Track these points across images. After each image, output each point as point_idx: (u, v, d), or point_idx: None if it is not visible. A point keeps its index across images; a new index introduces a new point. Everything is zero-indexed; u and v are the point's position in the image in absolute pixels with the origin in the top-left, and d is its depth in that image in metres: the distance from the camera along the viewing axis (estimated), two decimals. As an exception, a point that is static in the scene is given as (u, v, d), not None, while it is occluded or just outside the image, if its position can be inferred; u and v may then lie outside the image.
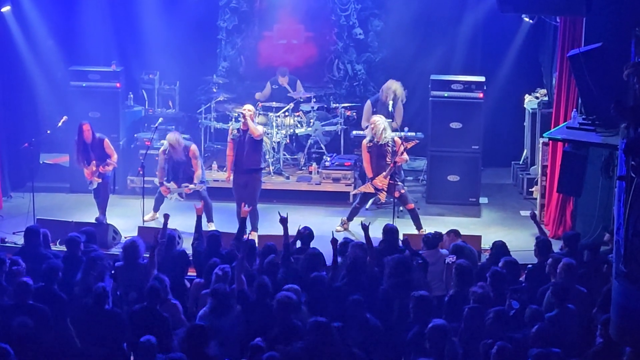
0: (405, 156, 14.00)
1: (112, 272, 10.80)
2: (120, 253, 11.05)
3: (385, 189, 13.92)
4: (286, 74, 16.82)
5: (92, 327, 9.36)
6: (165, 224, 11.30)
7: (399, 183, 14.11)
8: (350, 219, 14.28)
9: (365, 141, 14.13)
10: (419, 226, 13.92)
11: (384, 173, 13.87)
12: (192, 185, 13.94)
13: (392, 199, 14.20)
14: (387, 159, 13.91)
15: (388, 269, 10.11)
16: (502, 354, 8.36)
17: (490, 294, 9.55)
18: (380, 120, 13.99)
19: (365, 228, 10.99)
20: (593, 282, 10.29)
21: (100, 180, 14.09)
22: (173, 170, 14.12)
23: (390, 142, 13.95)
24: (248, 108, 13.94)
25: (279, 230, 11.22)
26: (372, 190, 14.06)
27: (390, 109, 15.34)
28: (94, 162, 14.02)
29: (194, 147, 14.23)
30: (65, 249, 11.25)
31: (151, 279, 10.01)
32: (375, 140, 13.92)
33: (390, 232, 11.51)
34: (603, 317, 8.87)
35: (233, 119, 16.16)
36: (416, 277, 10.33)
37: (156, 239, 10.65)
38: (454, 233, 11.91)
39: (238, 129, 13.84)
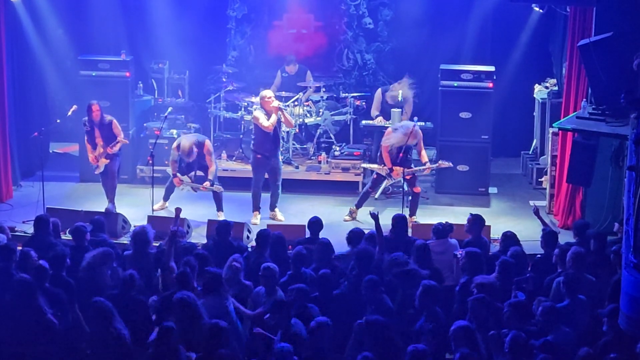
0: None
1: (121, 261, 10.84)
2: (130, 240, 11.07)
3: (395, 179, 13.88)
4: (292, 62, 16.77)
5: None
6: (177, 217, 11.30)
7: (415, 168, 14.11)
8: (359, 205, 14.26)
9: (390, 129, 14.09)
10: (413, 212, 13.99)
11: (405, 170, 13.83)
12: (207, 183, 13.91)
13: (400, 190, 14.20)
14: (409, 154, 13.89)
15: (389, 260, 10.18)
16: (516, 343, 8.38)
17: (496, 284, 9.57)
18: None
19: (375, 217, 11.01)
20: (601, 271, 10.29)
21: (108, 162, 14.11)
22: (188, 165, 14.10)
23: None
24: (267, 95, 14.07)
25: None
26: (384, 173, 14.02)
27: (399, 98, 15.35)
28: (101, 144, 14.04)
29: (208, 142, 14.13)
30: (71, 238, 11.29)
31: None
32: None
33: (399, 221, 11.53)
34: (609, 307, 8.87)
35: (242, 109, 16.19)
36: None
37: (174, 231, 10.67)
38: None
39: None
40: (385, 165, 14.05)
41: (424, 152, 14.14)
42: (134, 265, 10.49)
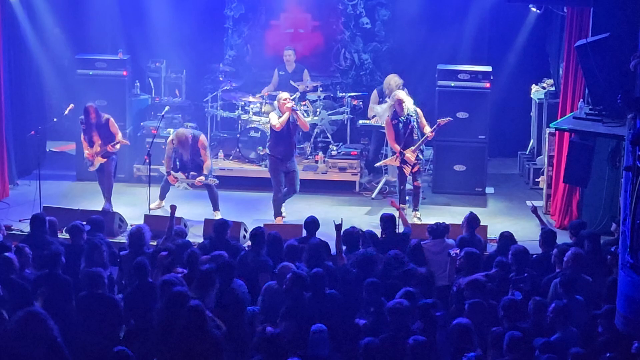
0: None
1: (118, 260, 10.83)
2: (127, 240, 11.07)
3: (412, 163, 13.83)
4: (291, 49, 16.74)
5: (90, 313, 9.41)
6: (172, 215, 11.29)
7: (421, 157, 14.13)
8: (402, 201, 14.19)
9: (388, 118, 14.06)
10: (415, 206, 14.09)
11: (413, 147, 13.84)
12: (201, 177, 13.90)
13: (397, 189, 14.22)
14: (415, 135, 13.87)
15: (384, 265, 10.19)
16: (514, 342, 8.39)
17: (483, 281, 9.60)
18: (406, 98, 13.97)
19: (338, 228, 11.02)
20: (596, 271, 10.30)
21: (104, 160, 14.10)
22: (181, 159, 14.09)
23: (413, 116, 13.91)
24: (283, 97, 14.04)
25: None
26: (398, 164, 13.97)
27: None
28: (99, 142, 14.03)
29: (203, 137, 14.13)
30: (68, 237, 11.29)
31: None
32: (399, 116, 13.86)
33: (387, 220, 11.53)
34: (604, 308, 8.88)
35: (240, 108, 16.18)
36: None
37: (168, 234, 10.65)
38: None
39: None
40: (395, 154, 14.02)
41: (427, 127, 14.03)
42: (130, 264, 10.50)
